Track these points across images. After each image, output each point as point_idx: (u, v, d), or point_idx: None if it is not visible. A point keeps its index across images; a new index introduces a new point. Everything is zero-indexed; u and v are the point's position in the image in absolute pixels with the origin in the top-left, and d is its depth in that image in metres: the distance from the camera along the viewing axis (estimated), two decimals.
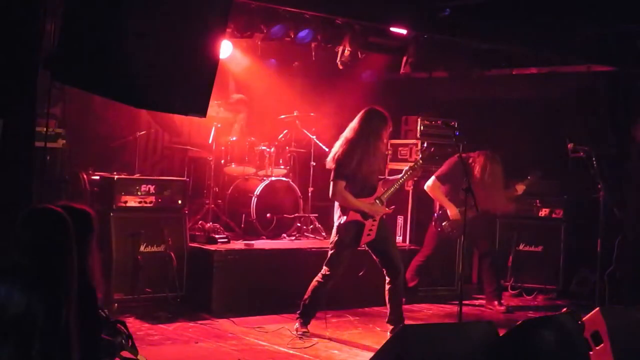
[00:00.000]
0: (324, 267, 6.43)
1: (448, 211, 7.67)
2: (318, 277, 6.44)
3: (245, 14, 7.27)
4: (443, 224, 7.76)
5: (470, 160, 7.66)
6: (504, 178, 7.84)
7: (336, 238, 6.37)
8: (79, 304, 3.07)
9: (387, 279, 6.47)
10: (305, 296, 6.47)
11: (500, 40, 7.71)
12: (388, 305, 6.52)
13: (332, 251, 6.41)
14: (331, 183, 6.29)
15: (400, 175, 6.60)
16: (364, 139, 6.30)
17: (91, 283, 3.32)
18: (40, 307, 2.91)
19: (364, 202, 6.31)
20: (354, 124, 6.41)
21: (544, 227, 8.82)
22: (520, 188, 7.96)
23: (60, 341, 2.95)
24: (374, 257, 6.54)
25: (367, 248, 6.54)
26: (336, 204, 6.43)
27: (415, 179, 8.07)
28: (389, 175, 6.68)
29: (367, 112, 6.43)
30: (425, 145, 6.98)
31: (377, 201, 6.39)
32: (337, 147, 6.39)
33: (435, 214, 7.90)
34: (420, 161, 6.99)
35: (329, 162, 6.37)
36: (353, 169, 6.26)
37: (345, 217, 6.31)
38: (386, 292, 6.49)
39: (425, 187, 7.76)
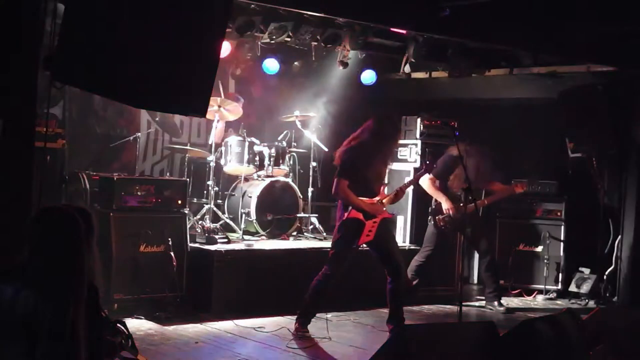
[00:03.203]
0: (325, 267, 6.44)
1: (442, 204, 7.68)
2: (319, 277, 6.45)
3: (245, 14, 7.28)
4: (437, 217, 7.78)
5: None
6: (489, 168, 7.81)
7: (337, 236, 6.39)
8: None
9: (389, 279, 6.48)
10: (306, 296, 6.47)
11: (500, 40, 7.71)
12: (389, 305, 6.53)
13: (333, 250, 6.42)
14: (335, 180, 6.32)
15: (402, 185, 6.70)
16: (376, 142, 6.35)
17: (93, 283, 3.33)
18: (49, 307, 2.91)
19: (366, 201, 6.33)
20: (368, 125, 6.45)
21: (544, 227, 8.82)
22: (518, 189, 7.97)
23: (67, 342, 2.95)
24: (375, 257, 6.55)
25: (368, 248, 6.55)
26: (339, 202, 6.45)
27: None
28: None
29: (382, 116, 6.50)
30: (427, 162, 7.00)
31: (378, 203, 6.42)
32: (347, 144, 6.41)
33: (430, 208, 7.92)
34: (422, 175, 7.03)
35: (337, 158, 6.40)
36: (359, 169, 6.30)
37: (346, 214, 6.34)
38: (387, 292, 6.50)
39: (420, 182, 7.77)
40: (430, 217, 7.91)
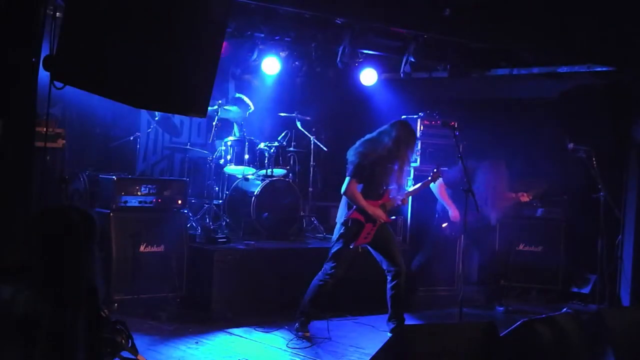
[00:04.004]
0: (325, 266, 6.44)
1: (449, 212, 7.68)
2: (319, 276, 6.46)
3: (245, 14, 7.27)
4: (443, 225, 7.77)
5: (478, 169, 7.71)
6: (507, 185, 7.87)
7: (337, 235, 6.39)
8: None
9: (389, 279, 6.50)
10: (306, 296, 6.48)
11: (500, 40, 7.71)
12: (389, 305, 6.54)
13: (334, 249, 6.42)
14: (347, 179, 6.33)
15: (407, 192, 6.79)
16: (392, 147, 6.37)
17: (93, 284, 3.33)
18: (47, 308, 2.91)
19: (370, 204, 6.33)
20: (386, 129, 6.48)
21: (544, 227, 8.81)
22: (524, 198, 7.97)
23: (65, 342, 2.95)
24: (376, 257, 6.56)
25: (368, 248, 6.56)
26: (343, 201, 6.46)
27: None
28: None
29: (401, 123, 6.57)
30: (435, 170, 7.02)
31: (381, 207, 6.43)
32: (362, 145, 6.41)
33: (437, 214, 7.91)
34: (429, 183, 7.04)
35: (350, 155, 6.41)
36: (369, 171, 6.32)
37: (349, 213, 6.34)
38: (387, 292, 6.51)
39: (431, 186, 7.77)
40: (435, 221, 7.90)
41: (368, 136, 6.53)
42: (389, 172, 6.46)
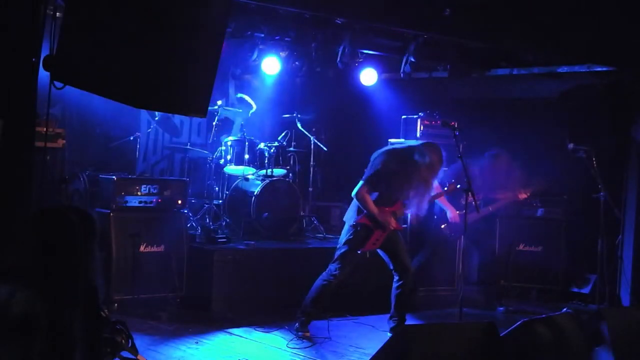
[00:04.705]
0: (330, 267, 6.42)
1: (447, 213, 7.67)
2: (323, 276, 6.44)
3: (245, 14, 7.27)
4: (442, 226, 7.77)
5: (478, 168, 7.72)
6: (509, 170, 7.86)
7: (345, 238, 6.38)
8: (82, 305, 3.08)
9: (396, 278, 6.51)
10: (309, 295, 6.47)
11: (500, 40, 7.71)
12: (392, 304, 6.54)
13: (340, 251, 6.41)
14: (360, 182, 6.32)
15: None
16: (420, 169, 6.32)
17: (93, 284, 3.33)
18: (45, 307, 2.91)
19: (382, 210, 6.32)
20: (419, 148, 6.42)
21: (544, 227, 8.81)
22: (522, 195, 7.97)
23: (63, 342, 2.95)
24: (383, 258, 6.55)
25: (376, 250, 6.54)
26: (353, 204, 6.44)
27: None
28: None
29: (435, 150, 6.42)
30: (452, 180, 7.00)
31: (392, 214, 6.41)
32: (389, 154, 6.38)
33: (435, 216, 7.90)
34: (443, 194, 7.04)
35: (373, 159, 6.39)
36: (386, 181, 6.30)
37: (359, 218, 6.34)
38: (392, 291, 6.52)
39: None
40: (434, 222, 7.90)
41: (397, 146, 6.47)
42: (402, 185, 6.39)
